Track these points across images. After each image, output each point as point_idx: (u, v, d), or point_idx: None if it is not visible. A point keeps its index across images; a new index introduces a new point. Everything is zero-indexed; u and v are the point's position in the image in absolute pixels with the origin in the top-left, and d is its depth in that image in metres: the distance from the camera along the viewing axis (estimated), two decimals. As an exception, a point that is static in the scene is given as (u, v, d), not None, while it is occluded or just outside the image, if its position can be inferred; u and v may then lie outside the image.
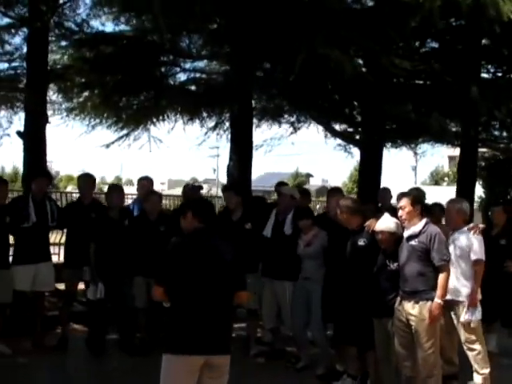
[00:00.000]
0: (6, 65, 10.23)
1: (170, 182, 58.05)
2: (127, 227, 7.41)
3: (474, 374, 6.27)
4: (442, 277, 5.66)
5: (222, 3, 7.68)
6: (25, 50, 9.67)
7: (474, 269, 6.32)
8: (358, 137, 11.58)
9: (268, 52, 9.03)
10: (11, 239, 7.56)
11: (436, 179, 51.19)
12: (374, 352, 6.11)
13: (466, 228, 6.45)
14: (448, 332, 6.36)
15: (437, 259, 5.68)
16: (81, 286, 7.73)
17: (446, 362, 6.40)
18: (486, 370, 6.23)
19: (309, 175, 58.61)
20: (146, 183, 8.30)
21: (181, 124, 12.30)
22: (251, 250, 7.04)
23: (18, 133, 9.40)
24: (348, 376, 6.38)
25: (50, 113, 10.50)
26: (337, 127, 11.74)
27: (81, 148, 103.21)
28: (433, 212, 7.09)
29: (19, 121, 10.63)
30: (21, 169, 10.64)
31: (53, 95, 10.85)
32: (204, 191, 25.62)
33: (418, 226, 5.82)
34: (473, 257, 6.31)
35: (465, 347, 6.34)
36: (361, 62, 9.71)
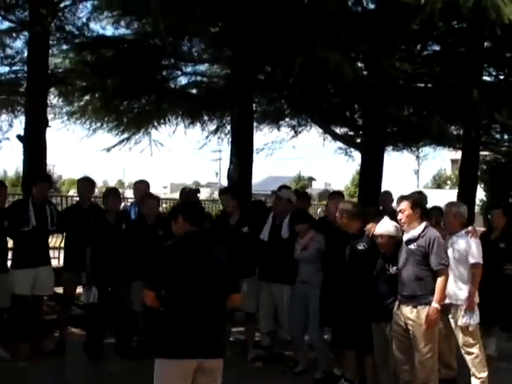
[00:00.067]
0: (6, 68, 10.34)
1: (172, 185, 58.24)
2: (124, 231, 7.40)
3: (472, 378, 6.23)
4: (440, 281, 5.63)
5: (223, 5, 7.66)
6: (25, 53, 9.72)
7: (471, 272, 6.28)
8: (358, 140, 11.56)
9: (268, 55, 9.02)
10: (10, 243, 7.56)
11: (438, 182, 51.23)
12: (372, 356, 6.09)
13: (463, 231, 6.42)
14: (446, 336, 6.35)
15: (435, 263, 5.64)
16: (79, 289, 7.72)
17: (444, 366, 6.40)
18: (484, 374, 6.19)
19: (311, 179, 58.70)
20: (142, 187, 8.23)
21: (182, 128, 12.36)
22: (248, 253, 7.05)
23: (19, 136, 9.42)
24: (345, 380, 6.36)
25: (50, 117, 10.58)
26: (337, 130, 11.72)
27: (83, 152, 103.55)
28: (431, 215, 7.06)
29: (20, 124, 10.68)
30: (23, 173, 10.65)
31: (53, 99, 10.90)
32: (207, 195, 25.79)
33: (417, 229, 5.79)
34: (471, 260, 6.27)
35: (462, 351, 6.30)
36: (362, 65, 9.71)
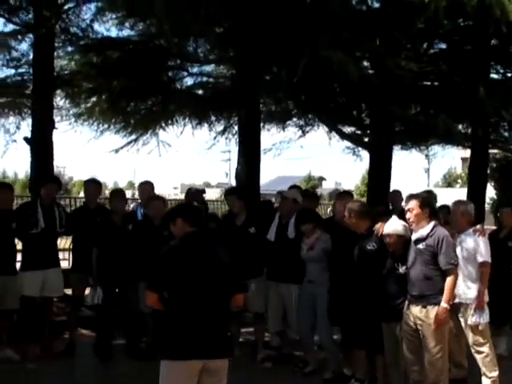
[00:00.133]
0: (12, 71, 10.33)
1: (182, 186, 58.24)
2: (131, 232, 7.41)
3: (483, 378, 6.21)
4: (449, 281, 5.59)
5: (227, 6, 7.66)
6: (31, 56, 9.72)
7: (480, 271, 6.26)
8: (366, 139, 11.52)
9: (274, 55, 9.00)
10: (19, 245, 7.57)
11: (449, 181, 51.10)
12: (383, 356, 6.07)
13: (471, 230, 6.39)
14: (456, 335, 6.32)
15: (444, 263, 5.61)
16: (88, 291, 7.73)
17: (454, 365, 6.37)
18: (495, 373, 6.16)
19: (321, 178, 58.57)
20: (146, 188, 8.24)
21: (190, 128, 12.34)
22: (255, 254, 7.05)
23: (26, 139, 9.43)
24: (356, 380, 6.35)
25: (58, 119, 10.60)
26: (345, 130, 11.68)
27: (94, 153, 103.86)
28: (440, 214, 7.03)
29: (27, 127, 10.69)
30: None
31: (60, 101, 10.90)
32: (217, 195, 25.91)
33: (425, 228, 5.76)
34: (479, 259, 6.25)
35: (472, 350, 6.28)
36: (367, 63, 9.68)
